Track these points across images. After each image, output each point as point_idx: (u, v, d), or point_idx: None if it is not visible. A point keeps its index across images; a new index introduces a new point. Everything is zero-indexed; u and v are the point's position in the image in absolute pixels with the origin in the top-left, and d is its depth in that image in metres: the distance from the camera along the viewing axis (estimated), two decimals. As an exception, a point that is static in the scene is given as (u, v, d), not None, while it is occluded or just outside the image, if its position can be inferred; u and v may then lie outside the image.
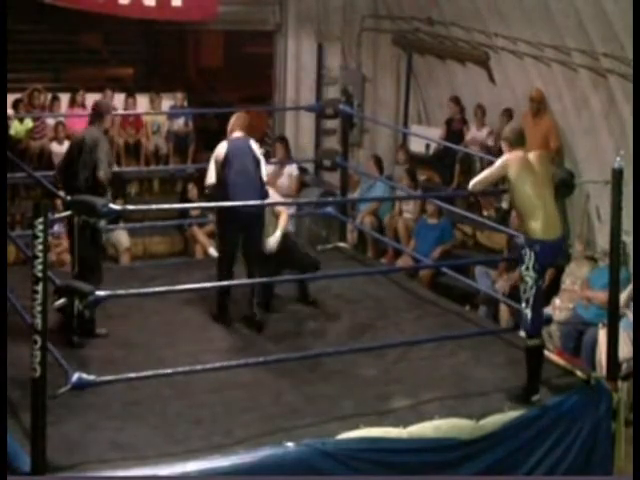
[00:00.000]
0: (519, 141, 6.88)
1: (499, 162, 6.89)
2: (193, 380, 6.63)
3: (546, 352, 7.29)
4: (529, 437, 6.61)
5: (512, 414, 6.58)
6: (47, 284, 5.48)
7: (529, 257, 6.67)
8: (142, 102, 13.60)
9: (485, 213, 11.41)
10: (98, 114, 7.72)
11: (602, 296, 8.54)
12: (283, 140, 12.26)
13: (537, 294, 6.73)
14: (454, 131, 12.62)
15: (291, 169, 11.81)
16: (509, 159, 6.80)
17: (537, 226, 6.67)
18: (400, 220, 11.79)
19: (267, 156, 11.00)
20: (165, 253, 12.19)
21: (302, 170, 12.79)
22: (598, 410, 6.88)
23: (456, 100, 12.75)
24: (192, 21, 13.34)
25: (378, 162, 12.60)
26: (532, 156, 6.83)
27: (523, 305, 6.75)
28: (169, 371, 6.29)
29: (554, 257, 7.00)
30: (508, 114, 11.91)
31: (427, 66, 13.67)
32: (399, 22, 13.73)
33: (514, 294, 9.11)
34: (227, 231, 7.89)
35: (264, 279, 7.78)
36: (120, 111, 13.16)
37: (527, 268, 6.69)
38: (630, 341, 7.85)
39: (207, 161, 8.06)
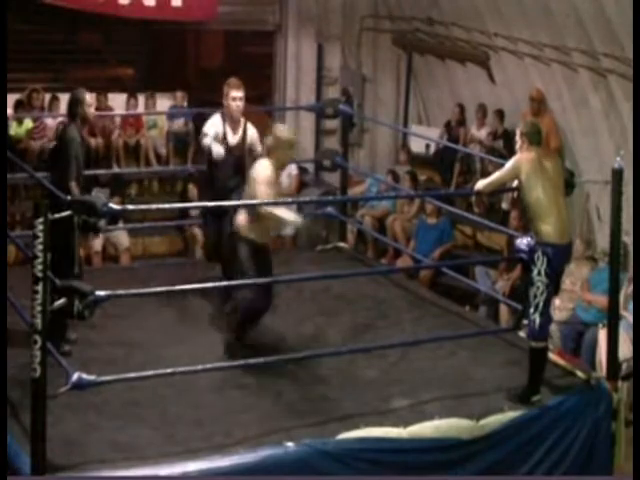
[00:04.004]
0: (537, 139, 6.72)
1: (510, 163, 6.77)
2: (193, 380, 6.63)
3: (546, 352, 7.29)
4: (529, 437, 6.61)
5: (512, 414, 6.58)
6: (47, 284, 5.49)
7: (541, 261, 6.56)
8: (143, 102, 13.59)
9: (476, 210, 11.40)
10: (75, 107, 7.29)
11: (602, 300, 8.52)
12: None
13: (547, 299, 6.65)
14: (452, 136, 12.65)
15: (291, 169, 11.81)
16: (521, 160, 6.66)
17: (550, 229, 6.57)
18: (397, 221, 11.79)
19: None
20: (165, 253, 12.19)
21: (302, 170, 12.80)
22: (598, 410, 6.87)
23: (461, 107, 12.77)
24: (192, 21, 13.34)
25: (394, 176, 12.40)
26: (545, 158, 6.72)
27: (531, 310, 6.66)
28: (169, 371, 6.29)
29: (565, 261, 6.92)
30: (500, 115, 11.99)
31: (427, 66, 13.68)
32: (399, 22, 13.73)
33: (514, 294, 9.13)
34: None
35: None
36: (121, 111, 13.19)
37: (539, 272, 6.57)
38: (630, 341, 7.84)
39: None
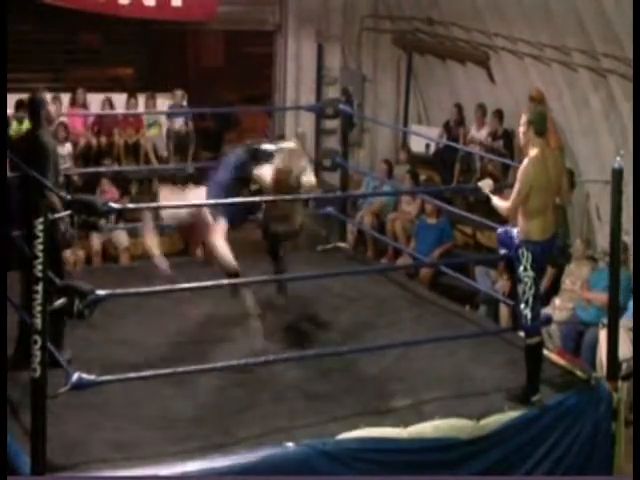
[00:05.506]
0: (542, 128, 6.62)
1: (522, 175, 6.56)
2: (193, 380, 6.63)
3: (546, 352, 7.29)
4: (529, 437, 6.61)
5: (512, 414, 6.58)
6: (47, 284, 5.48)
7: (526, 258, 6.63)
8: (143, 102, 13.59)
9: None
10: (37, 110, 6.91)
11: (602, 297, 8.52)
12: (283, 141, 12.29)
13: (536, 294, 6.71)
14: (451, 135, 12.65)
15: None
16: (528, 169, 6.54)
17: (534, 228, 6.62)
18: (398, 221, 11.79)
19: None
20: (165, 253, 12.15)
21: (302, 170, 12.77)
22: (598, 410, 6.88)
23: (459, 107, 12.78)
24: (192, 21, 13.36)
25: (389, 165, 12.62)
26: (549, 155, 6.67)
27: (522, 306, 6.71)
28: (169, 371, 6.28)
29: (550, 255, 6.99)
30: (499, 115, 11.99)
31: (427, 66, 13.68)
32: (399, 22, 13.74)
33: (514, 294, 9.13)
34: None
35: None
36: (121, 111, 13.21)
37: (525, 269, 6.65)
38: (630, 341, 7.84)
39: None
